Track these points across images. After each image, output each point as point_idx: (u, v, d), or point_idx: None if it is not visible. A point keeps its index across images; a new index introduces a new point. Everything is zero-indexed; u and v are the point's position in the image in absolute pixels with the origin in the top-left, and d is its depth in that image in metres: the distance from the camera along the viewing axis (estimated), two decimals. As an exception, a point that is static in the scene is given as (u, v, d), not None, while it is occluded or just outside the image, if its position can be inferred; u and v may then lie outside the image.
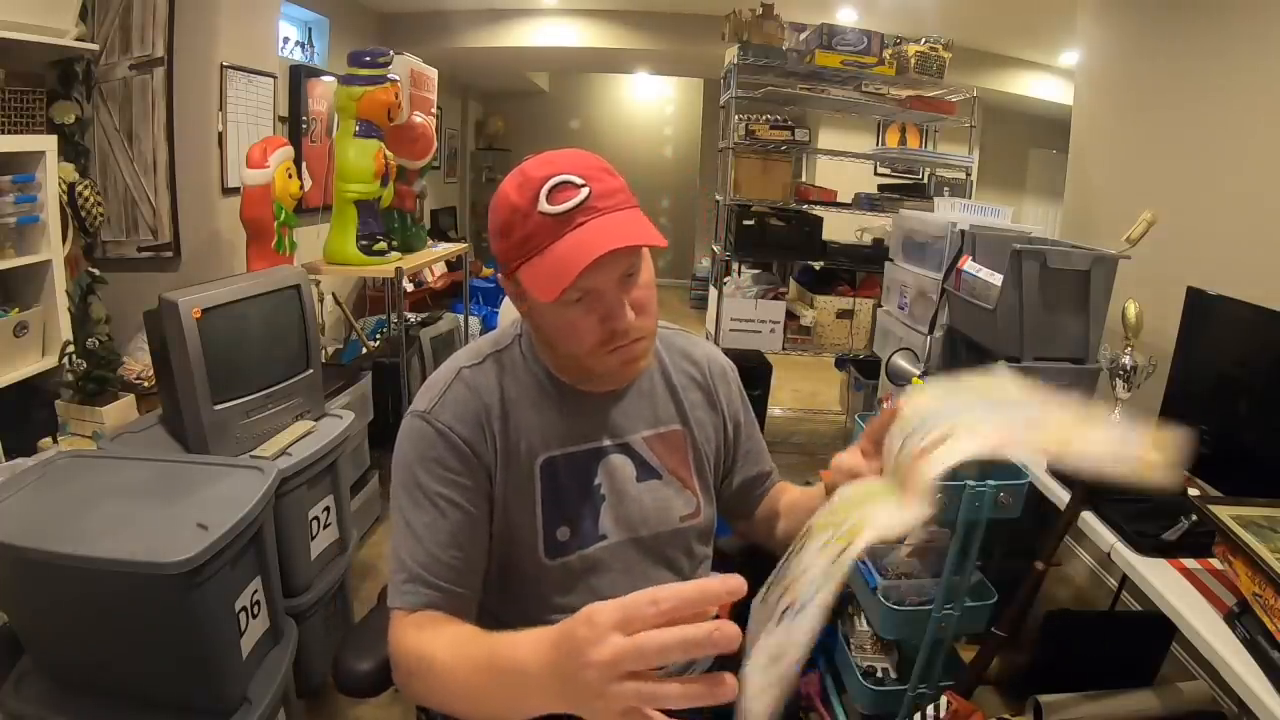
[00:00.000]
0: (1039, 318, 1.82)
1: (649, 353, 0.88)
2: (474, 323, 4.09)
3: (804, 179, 4.71)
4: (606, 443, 0.90)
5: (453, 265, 5.49)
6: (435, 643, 0.71)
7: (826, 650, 1.87)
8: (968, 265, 2.11)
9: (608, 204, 0.78)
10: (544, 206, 0.76)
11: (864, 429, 0.75)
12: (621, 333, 0.80)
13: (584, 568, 0.88)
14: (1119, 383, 1.69)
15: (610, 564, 0.90)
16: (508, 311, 3.36)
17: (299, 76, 3.82)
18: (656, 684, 0.47)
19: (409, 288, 5.00)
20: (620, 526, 0.90)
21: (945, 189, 3.57)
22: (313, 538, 1.71)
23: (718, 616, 0.47)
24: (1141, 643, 1.74)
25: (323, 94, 4.00)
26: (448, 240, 4.36)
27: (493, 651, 0.62)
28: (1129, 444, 0.58)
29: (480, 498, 0.84)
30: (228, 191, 2.91)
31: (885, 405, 0.75)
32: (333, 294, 3.56)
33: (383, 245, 2.60)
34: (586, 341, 0.81)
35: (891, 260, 2.90)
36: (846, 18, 4.42)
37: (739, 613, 0.50)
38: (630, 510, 0.90)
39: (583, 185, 0.77)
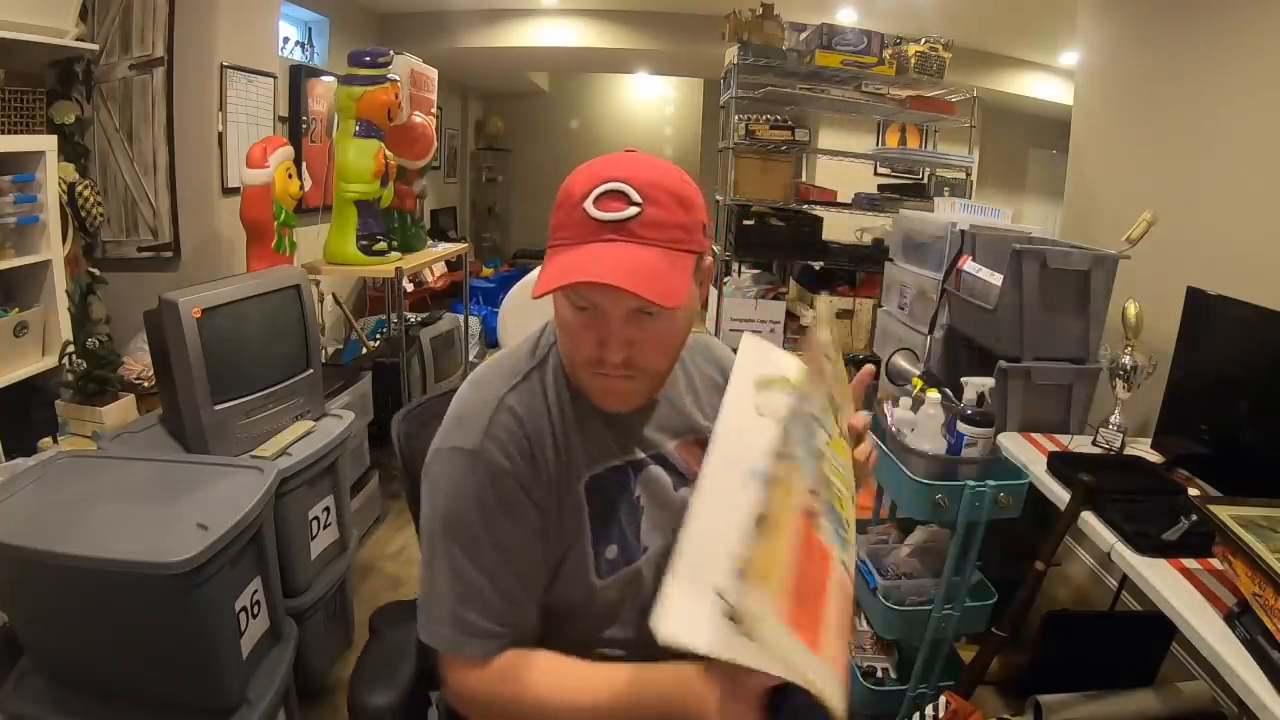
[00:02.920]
0: (1039, 318, 1.82)
1: (642, 393, 0.83)
2: (474, 323, 4.09)
3: (804, 179, 4.71)
4: (643, 454, 0.88)
5: (453, 265, 5.49)
6: (537, 686, 0.76)
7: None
8: (968, 265, 2.11)
9: (647, 235, 0.73)
10: (590, 208, 0.73)
11: None
12: (608, 363, 0.77)
13: (629, 583, 0.86)
14: (1119, 383, 1.69)
15: (652, 576, 0.86)
16: (508, 312, 3.35)
17: (299, 76, 3.82)
18: None
19: (409, 288, 5.00)
20: (658, 535, 0.87)
21: (945, 189, 3.58)
22: (313, 538, 1.71)
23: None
24: (1141, 643, 1.74)
25: (323, 94, 4.00)
26: (448, 240, 4.36)
27: (613, 688, 0.73)
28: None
29: (535, 533, 0.80)
30: (228, 191, 2.91)
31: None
32: (333, 294, 3.56)
33: (383, 245, 2.60)
34: (578, 353, 0.78)
35: (891, 260, 2.90)
36: (846, 18, 4.41)
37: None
38: (668, 520, 0.87)
39: (637, 204, 0.73)
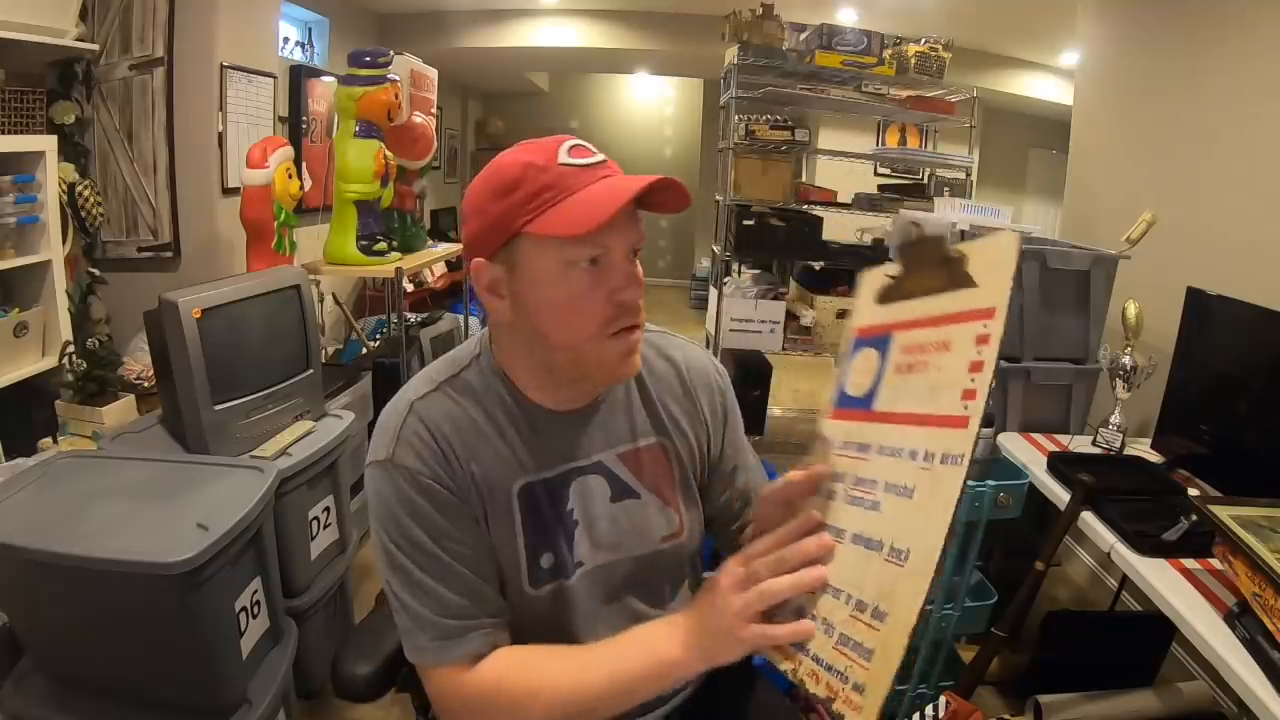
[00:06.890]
0: (1039, 318, 1.82)
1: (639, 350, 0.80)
2: (474, 323, 4.09)
3: (804, 179, 4.70)
4: (579, 464, 0.84)
5: (453, 265, 5.48)
6: (527, 677, 0.75)
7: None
8: (968, 265, 2.11)
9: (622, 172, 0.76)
10: (565, 159, 0.72)
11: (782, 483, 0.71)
12: (630, 309, 0.74)
13: (562, 597, 0.83)
14: (1119, 383, 1.70)
15: (587, 592, 0.84)
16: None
17: (299, 76, 3.82)
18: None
19: (409, 288, 5.00)
20: (595, 551, 0.84)
21: (945, 189, 3.57)
22: (313, 538, 1.71)
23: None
24: (1141, 643, 1.74)
25: (323, 94, 3.99)
26: (448, 240, 4.34)
27: (616, 659, 0.73)
28: None
29: (474, 525, 0.79)
30: (228, 191, 2.90)
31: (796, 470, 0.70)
32: (333, 294, 3.56)
33: (383, 245, 2.59)
34: (594, 319, 0.74)
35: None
36: (846, 18, 4.41)
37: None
38: (604, 533, 0.84)
39: (598, 152, 0.75)
